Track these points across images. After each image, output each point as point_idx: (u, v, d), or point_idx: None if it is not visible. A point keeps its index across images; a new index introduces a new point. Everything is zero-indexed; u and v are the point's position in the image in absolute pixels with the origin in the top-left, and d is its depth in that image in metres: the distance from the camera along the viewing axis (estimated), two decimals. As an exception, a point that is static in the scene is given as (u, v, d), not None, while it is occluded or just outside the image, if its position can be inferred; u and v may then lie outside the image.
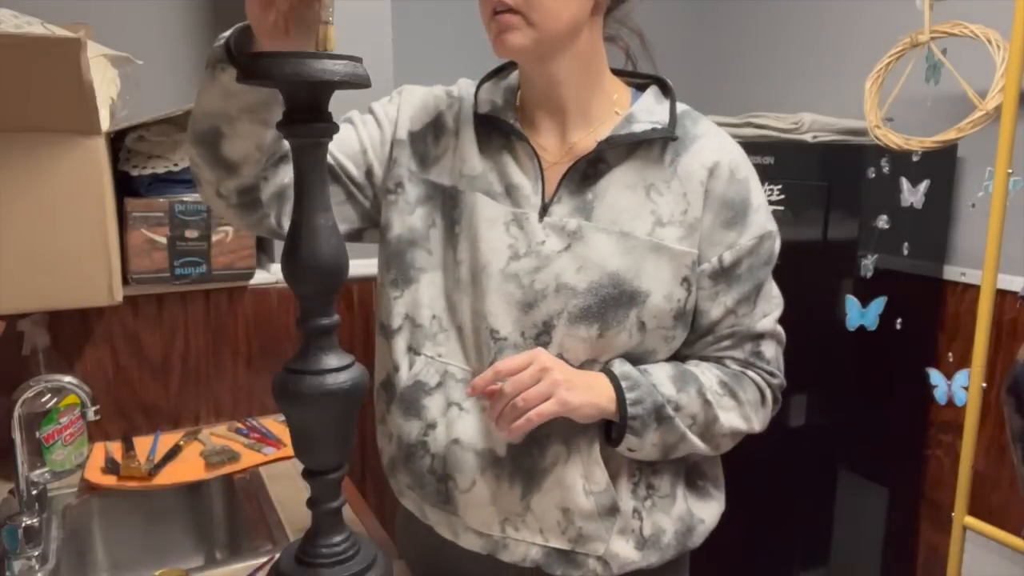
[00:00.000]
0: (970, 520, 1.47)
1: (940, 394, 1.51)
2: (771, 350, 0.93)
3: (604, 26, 0.90)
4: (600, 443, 0.88)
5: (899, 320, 1.51)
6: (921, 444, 1.86)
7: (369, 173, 0.95)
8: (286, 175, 0.89)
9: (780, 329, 0.94)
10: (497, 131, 0.91)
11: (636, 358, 0.88)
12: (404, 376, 0.92)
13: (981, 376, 1.42)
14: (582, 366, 0.86)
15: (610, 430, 0.87)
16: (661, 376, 0.87)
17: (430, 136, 0.95)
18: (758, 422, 0.93)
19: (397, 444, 0.94)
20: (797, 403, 1.68)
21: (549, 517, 0.88)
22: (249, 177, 0.87)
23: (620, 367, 0.86)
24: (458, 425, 0.89)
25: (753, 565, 1.82)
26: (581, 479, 0.87)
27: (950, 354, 1.71)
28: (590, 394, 0.83)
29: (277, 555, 0.89)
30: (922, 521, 1.89)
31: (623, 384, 0.84)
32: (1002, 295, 1.56)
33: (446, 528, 0.93)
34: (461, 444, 0.88)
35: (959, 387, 1.48)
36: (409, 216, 0.93)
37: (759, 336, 0.91)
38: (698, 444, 0.88)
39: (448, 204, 0.91)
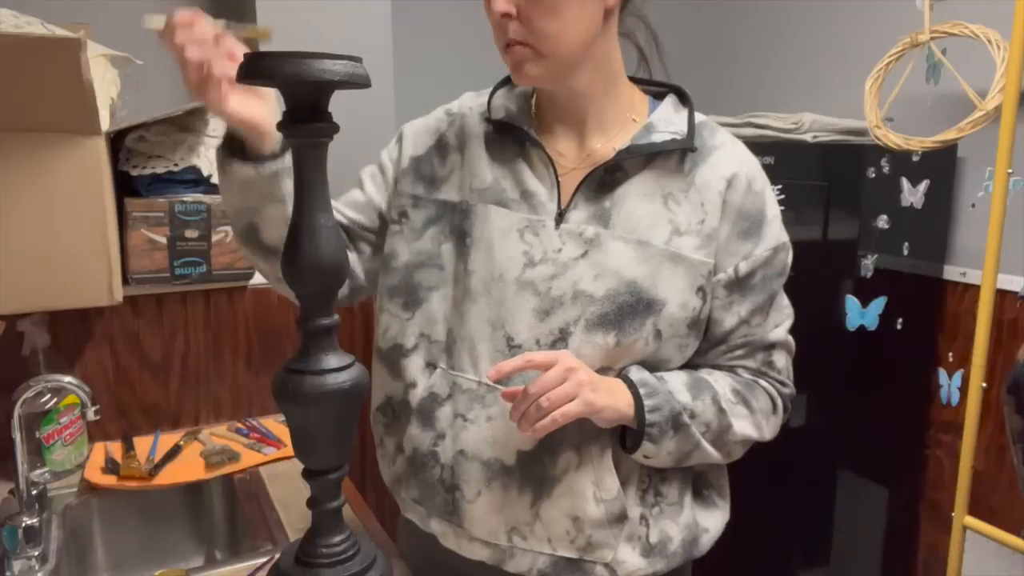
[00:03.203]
0: (970, 520, 1.47)
1: (945, 393, 1.51)
2: (782, 360, 0.94)
3: (619, 22, 0.90)
4: (612, 450, 0.88)
5: (899, 320, 1.51)
6: (921, 444, 1.86)
7: (380, 216, 0.98)
8: None
9: (791, 339, 0.95)
10: (511, 138, 0.92)
11: (650, 367, 0.88)
12: (421, 390, 0.93)
13: (981, 376, 1.42)
14: (597, 373, 0.86)
15: (625, 437, 0.87)
16: (677, 384, 0.87)
17: (435, 158, 0.95)
18: (769, 430, 0.93)
19: (411, 455, 0.94)
20: (797, 403, 1.66)
21: (558, 525, 0.87)
22: None
23: (637, 374, 0.86)
24: (463, 436, 0.89)
25: (753, 565, 1.82)
26: (592, 486, 0.87)
27: (950, 354, 1.71)
28: (612, 398, 0.83)
29: (277, 555, 0.89)
30: (922, 521, 1.89)
31: (641, 391, 0.84)
32: (1002, 295, 1.56)
33: (452, 539, 0.93)
34: (466, 455, 0.88)
35: (955, 388, 1.49)
36: (416, 241, 0.94)
37: (771, 346, 0.92)
38: (711, 452, 0.89)
39: (458, 218, 0.91)
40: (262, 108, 0.81)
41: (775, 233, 0.89)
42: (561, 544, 0.88)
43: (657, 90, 0.96)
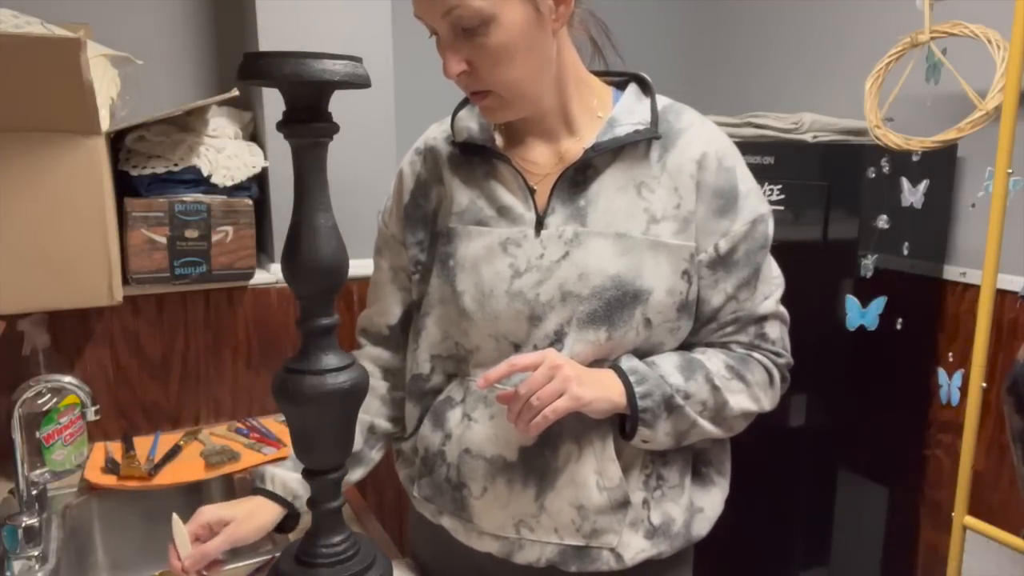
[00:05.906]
0: (970, 520, 1.47)
1: (945, 393, 1.51)
2: (775, 331, 0.94)
3: (568, 25, 0.89)
4: (613, 439, 0.89)
5: (899, 320, 1.51)
6: (921, 444, 1.86)
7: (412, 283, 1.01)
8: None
9: (783, 309, 0.95)
10: (478, 157, 0.93)
11: (645, 352, 0.89)
12: (441, 395, 0.96)
13: (981, 376, 1.42)
14: (592, 366, 0.87)
15: (623, 424, 0.88)
16: (668, 367, 0.88)
17: (420, 197, 0.98)
18: (768, 401, 0.94)
19: (423, 455, 0.97)
20: (797, 403, 1.68)
21: (563, 515, 0.89)
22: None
23: (627, 362, 0.87)
24: (467, 435, 0.91)
25: (753, 565, 1.82)
26: (595, 475, 0.88)
27: (950, 354, 1.70)
28: (601, 389, 0.84)
29: (277, 555, 0.89)
30: (922, 521, 1.89)
31: (631, 379, 0.85)
32: (1002, 295, 1.56)
33: (462, 533, 0.95)
34: (471, 453, 0.91)
35: (955, 388, 1.49)
36: (428, 284, 0.96)
37: (762, 319, 0.92)
38: (711, 429, 0.90)
39: (442, 242, 0.93)
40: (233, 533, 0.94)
41: (751, 206, 0.89)
42: (567, 533, 0.89)
43: (620, 80, 0.96)
